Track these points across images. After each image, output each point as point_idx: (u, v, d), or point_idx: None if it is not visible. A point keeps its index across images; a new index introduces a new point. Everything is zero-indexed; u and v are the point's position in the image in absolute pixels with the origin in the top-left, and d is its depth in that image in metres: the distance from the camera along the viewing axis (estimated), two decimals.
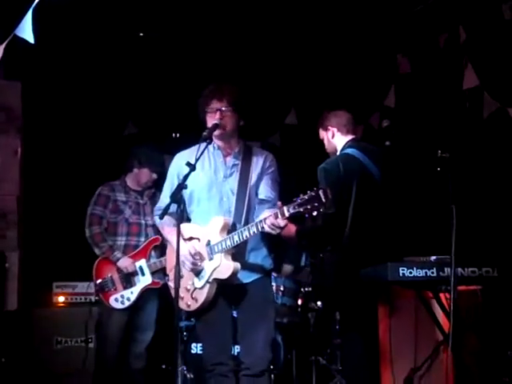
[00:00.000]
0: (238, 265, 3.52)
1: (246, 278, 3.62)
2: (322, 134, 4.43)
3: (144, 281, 4.88)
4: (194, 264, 3.57)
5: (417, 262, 4.10)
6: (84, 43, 5.93)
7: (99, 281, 4.89)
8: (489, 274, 4.03)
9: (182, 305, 3.68)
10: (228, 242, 3.50)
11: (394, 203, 4.28)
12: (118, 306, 4.85)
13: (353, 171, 4.15)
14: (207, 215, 3.62)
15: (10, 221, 6.02)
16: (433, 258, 4.14)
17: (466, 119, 5.22)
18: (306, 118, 6.37)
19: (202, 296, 3.59)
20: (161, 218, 3.52)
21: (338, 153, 4.34)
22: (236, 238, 3.47)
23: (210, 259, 3.56)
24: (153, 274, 4.89)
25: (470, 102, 5.16)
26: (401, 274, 3.96)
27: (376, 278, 4.02)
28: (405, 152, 5.32)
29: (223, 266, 3.52)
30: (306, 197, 3.16)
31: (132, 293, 4.87)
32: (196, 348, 5.01)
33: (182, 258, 3.56)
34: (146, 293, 4.90)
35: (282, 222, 3.27)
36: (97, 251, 4.93)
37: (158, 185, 5.08)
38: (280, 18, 5.73)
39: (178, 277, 3.35)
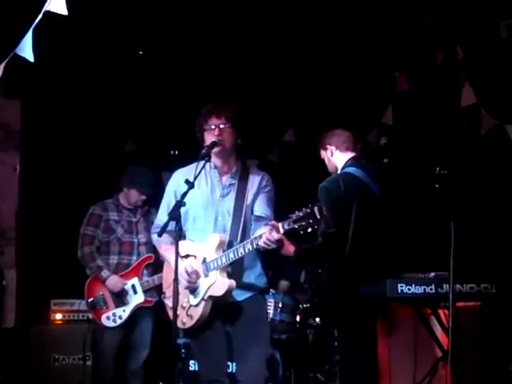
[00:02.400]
0: (233, 282, 3.52)
1: (240, 295, 3.62)
2: (323, 153, 4.44)
3: (136, 299, 4.86)
4: (189, 282, 3.57)
5: (415, 278, 4.10)
6: (83, 61, 5.97)
7: (90, 299, 4.89)
8: (487, 291, 4.02)
9: (178, 323, 3.65)
10: (223, 259, 3.50)
11: (393, 220, 4.28)
12: (110, 324, 4.82)
13: (353, 190, 4.15)
14: (202, 233, 3.64)
15: (9, 237, 6.05)
16: (431, 274, 4.14)
17: (464, 136, 5.24)
18: (304, 136, 6.40)
19: (196, 313, 3.58)
20: (159, 235, 3.52)
21: (338, 171, 4.35)
22: (231, 255, 3.48)
23: (206, 276, 3.56)
24: (145, 292, 4.86)
25: (468, 120, 5.19)
26: (399, 291, 3.96)
27: (374, 295, 4.02)
28: (403, 169, 5.34)
29: (218, 283, 3.51)
30: (300, 214, 3.17)
31: (124, 311, 4.84)
32: (194, 365, 4.98)
33: (178, 277, 3.54)
34: (139, 311, 4.88)
35: (276, 236, 3.27)
36: (87, 271, 4.94)
37: (152, 202, 5.07)
38: (279, 36, 5.77)
39: (177, 294, 3.35)
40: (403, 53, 5.73)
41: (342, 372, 4.63)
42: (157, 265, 4.92)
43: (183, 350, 5.05)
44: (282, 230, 3.24)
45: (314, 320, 5.04)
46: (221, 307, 3.60)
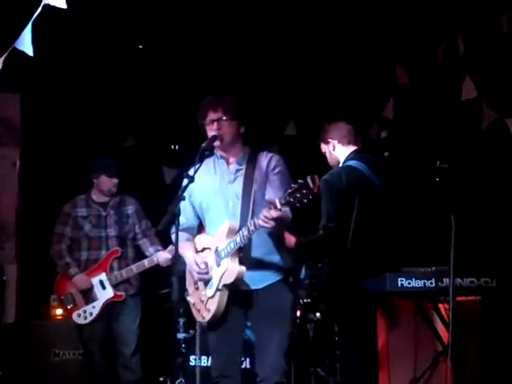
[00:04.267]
0: (242, 268, 3.46)
1: (257, 283, 3.55)
2: (324, 147, 4.43)
3: (105, 294, 4.83)
4: (199, 273, 3.56)
5: (415, 272, 4.10)
6: (83, 56, 5.95)
7: (60, 298, 4.89)
8: (488, 285, 4.02)
9: (199, 318, 3.67)
10: (232, 245, 3.46)
11: (394, 214, 4.27)
12: (81, 321, 4.81)
13: (355, 183, 4.14)
14: (216, 222, 3.61)
15: (9, 233, 6.04)
16: (432, 268, 4.13)
17: (465, 130, 5.22)
18: (306, 129, 6.38)
19: (213, 305, 3.54)
20: (163, 229, 3.50)
21: (340, 165, 4.33)
22: (238, 239, 3.44)
23: (218, 266, 3.53)
24: (116, 286, 4.83)
25: (469, 113, 5.17)
26: (399, 285, 3.96)
27: (375, 289, 4.02)
28: (403, 162, 5.33)
29: (229, 271, 3.47)
30: (295, 186, 3.14)
31: (94, 307, 4.82)
32: (195, 360, 4.97)
33: (189, 269, 3.60)
34: (116, 306, 4.84)
35: (274, 213, 3.22)
36: (57, 269, 4.96)
37: (123, 191, 5.06)
38: (279, 29, 5.75)
39: (177, 288, 3.36)
40: (404, 47, 5.71)
41: (342, 366, 4.63)
42: (128, 257, 4.95)
43: (183, 345, 5.03)
44: (279, 205, 3.19)
45: (315, 315, 5.03)
46: (239, 297, 3.56)
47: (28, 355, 5.46)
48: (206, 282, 3.58)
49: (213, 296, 3.54)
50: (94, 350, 4.82)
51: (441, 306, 4.07)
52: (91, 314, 4.81)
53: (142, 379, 4.91)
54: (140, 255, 5.00)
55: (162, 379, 5.29)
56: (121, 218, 4.97)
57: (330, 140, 4.36)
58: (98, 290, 4.83)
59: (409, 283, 3.95)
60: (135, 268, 4.85)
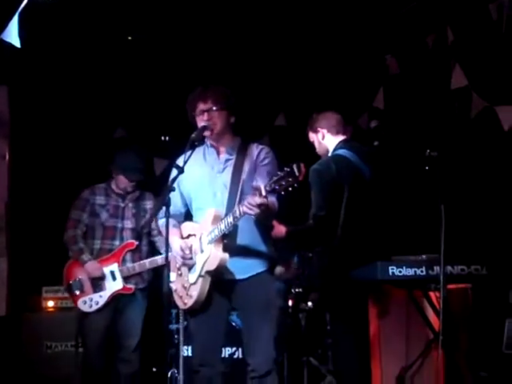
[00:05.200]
0: (225, 255, 3.49)
1: (241, 273, 3.59)
2: (312, 136, 4.43)
3: (114, 286, 4.81)
4: (184, 258, 3.58)
5: (406, 260, 4.11)
6: (72, 47, 5.92)
7: (69, 282, 4.86)
8: (478, 272, 4.04)
9: (180, 304, 3.70)
10: (216, 232, 3.49)
11: (383, 202, 4.28)
12: (86, 309, 4.79)
13: (345, 172, 4.16)
14: (203, 211, 3.64)
15: None
16: (422, 256, 4.15)
17: (455, 118, 5.23)
18: (295, 120, 6.37)
19: (195, 291, 3.57)
20: (154, 219, 3.54)
21: (329, 154, 4.33)
22: (222, 226, 3.46)
23: (202, 251, 3.55)
24: (126, 278, 4.82)
25: (459, 102, 5.18)
26: (390, 273, 3.97)
27: (366, 278, 4.03)
28: (393, 151, 5.34)
29: (212, 257, 3.50)
30: (281, 173, 3.15)
31: (101, 297, 4.80)
32: (187, 351, 4.99)
33: (174, 254, 3.61)
34: (124, 298, 4.83)
35: (258, 200, 3.23)
36: (70, 254, 4.93)
37: (144, 187, 5.05)
38: (268, 20, 5.74)
39: (168, 276, 3.40)
40: (393, 37, 5.70)
41: (334, 355, 4.65)
42: (142, 251, 4.93)
43: (176, 336, 5.04)
44: (264, 192, 3.21)
45: (306, 304, 5.04)
46: (223, 286, 3.59)
47: (20, 348, 5.46)
48: (190, 268, 3.60)
49: (195, 282, 3.57)
50: (92, 340, 4.79)
51: (432, 293, 4.09)
52: (97, 302, 4.79)
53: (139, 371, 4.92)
54: (154, 251, 4.99)
55: (155, 370, 5.30)
56: (139, 211, 4.96)
57: (319, 129, 4.37)
58: (107, 280, 4.81)
59: (400, 271, 3.96)
60: (148, 263, 4.82)
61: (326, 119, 4.38)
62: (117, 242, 4.89)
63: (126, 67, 6.28)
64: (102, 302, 4.78)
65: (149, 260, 4.84)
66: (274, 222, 4.00)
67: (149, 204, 5.01)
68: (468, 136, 5.10)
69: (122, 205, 4.97)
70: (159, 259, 4.79)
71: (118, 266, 4.82)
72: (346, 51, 5.95)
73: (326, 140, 4.36)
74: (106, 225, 4.90)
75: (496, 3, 4.82)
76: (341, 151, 4.25)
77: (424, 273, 3.97)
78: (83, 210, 4.93)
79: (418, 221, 5.12)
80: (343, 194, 4.12)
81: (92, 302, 4.79)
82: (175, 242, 3.64)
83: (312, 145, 4.47)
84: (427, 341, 4.12)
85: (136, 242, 4.88)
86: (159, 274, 5.07)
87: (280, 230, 4.09)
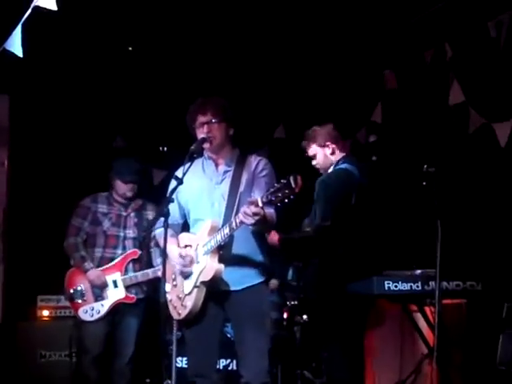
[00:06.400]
0: (221, 266, 3.51)
1: (237, 284, 3.59)
2: (316, 150, 4.41)
3: (117, 295, 4.78)
4: (183, 265, 3.58)
5: (402, 275, 4.13)
6: (73, 57, 5.94)
7: (70, 290, 4.82)
8: (473, 288, 4.06)
9: (174, 314, 3.70)
10: (212, 243, 3.51)
11: (381, 217, 4.30)
12: (87, 318, 4.75)
13: (351, 186, 4.19)
14: (201, 222, 3.65)
15: None
16: (418, 271, 4.17)
17: (452, 134, 5.26)
18: (295, 132, 6.40)
19: (190, 302, 3.58)
20: (152, 231, 3.55)
21: (331, 169, 4.35)
22: (218, 237, 3.48)
23: (198, 262, 3.57)
24: (127, 288, 4.79)
25: (456, 118, 5.21)
26: (386, 288, 3.99)
27: (362, 292, 4.04)
28: (391, 166, 5.37)
29: (208, 268, 3.51)
30: (277, 185, 3.17)
31: (103, 305, 4.76)
32: (181, 362, 4.98)
33: (173, 262, 3.62)
34: (124, 307, 4.80)
35: (254, 209, 3.25)
36: (71, 261, 4.89)
37: (147, 196, 5.05)
38: (269, 33, 5.77)
39: (164, 287, 3.38)
40: (392, 52, 5.74)
41: (328, 368, 4.65)
42: (143, 261, 4.91)
43: (171, 347, 5.03)
44: (260, 204, 3.23)
45: (302, 317, 5.04)
46: (217, 297, 3.60)
47: (14, 357, 5.44)
48: (185, 278, 3.61)
49: (190, 293, 3.58)
50: (91, 350, 4.74)
51: (427, 308, 4.11)
52: (98, 311, 4.75)
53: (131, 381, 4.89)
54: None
55: (148, 381, 5.29)
56: (140, 220, 4.94)
57: (328, 143, 4.38)
58: (110, 288, 4.78)
59: (395, 286, 3.98)
60: (151, 273, 4.80)
61: (333, 133, 4.39)
62: (119, 251, 4.87)
63: (125, 77, 6.31)
64: (103, 311, 4.76)
65: (152, 270, 4.82)
66: (271, 232, 4.03)
67: (150, 214, 5.00)
68: (465, 152, 5.13)
69: (125, 214, 4.96)
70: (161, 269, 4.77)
71: (121, 275, 4.81)
72: (344, 66, 5.99)
73: (335, 155, 4.37)
74: (107, 233, 4.88)
75: (495, 21, 4.86)
76: (345, 165, 4.28)
77: (420, 288, 3.99)
78: (84, 218, 4.91)
79: (414, 236, 5.13)
80: (349, 207, 4.14)
81: (93, 310, 4.76)
82: (174, 249, 3.65)
83: (308, 158, 4.47)
84: (421, 355, 4.13)
85: (139, 252, 4.87)
86: (155, 286, 5.10)
87: (273, 238, 4.10)
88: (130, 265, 4.86)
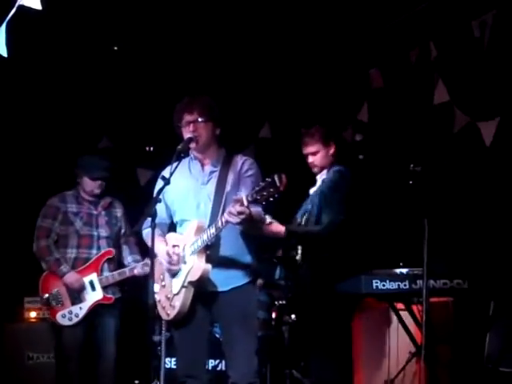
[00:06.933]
0: (208, 266, 3.51)
1: (224, 285, 3.60)
2: (319, 147, 4.46)
3: (94, 296, 4.69)
4: (170, 263, 3.58)
5: (389, 274, 4.15)
6: (58, 56, 5.91)
7: (45, 295, 4.71)
8: (460, 286, 4.09)
9: (163, 315, 3.70)
10: (199, 243, 3.50)
11: (368, 215, 4.33)
12: (66, 322, 4.65)
13: (355, 185, 4.30)
14: (187, 222, 3.65)
15: None
16: (405, 270, 4.19)
17: (437, 133, 5.29)
18: (280, 132, 6.41)
19: (178, 302, 3.58)
20: (136, 229, 3.57)
21: (326, 169, 4.41)
22: (205, 236, 3.48)
23: (185, 262, 3.56)
24: (105, 288, 4.72)
25: (441, 117, 5.24)
26: (374, 287, 4.01)
27: (350, 291, 4.06)
28: (378, 165, 5.39)
29: (195, 268, 3.52)
30: (262, 184, 3.18)
31: (81, 308, 4.67)
32: (170, 363, 4.96)
33: (160, 260, 3.62)
34: (101, 308, 4.72)
35: (239, 208, 3.26)
36: (43, 265, 4.75)
37: (115, 194, 5.00)
38: (254, 32, 5.77)
39: (152, 288, 3.38)
40: (377, 51, 5.76)
41: (317, 367, 4.66)
42: (118, 260, 4.87)
43: (159, 348, 5.01)
44: (245, 203, 3.24)
45: (290, 317, 5.04)
46: (205, 298, 3.60)
47: (1, 358, 5.40)
48: (173, 276, 3.61)
49: (178, 293, 3.58)
50: (71, 355, 4.67)
51: (414, 307, 4.13)
52: (77, 315, 4.66)
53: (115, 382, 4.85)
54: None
55: (137, 382, 5.27)
56: (110, 219, 4.87)
57: (332, 144, 4.44)
58: (87, 290, 4.69)
59: (383, 285, 4.00)
60: (128, 271, 4.74)
61: (334, 135, 4.51)
62: (94, 251, 4.77)
63: (111, 77, 6.28)
64: (82, 313, 4.67)
65: (128, 268, 4.77)
66: (273, 221, 4.04)
67: (119, 211, 4.93)
68: (451, 151, 5.16)
69: (95, 212, 4.85)
70: (138, 268, 4.72)
71: (97, 276, 4.73)
72: (330, 64, 6.00)
73: (332, 156, 4.45)
74: (80, 233, 4.76)
75: (478, 20, 4.89)
76: (343, 168, 4.37)
77: (407, 286, 4.02)
78: (54, 218, 4.77)
79: (401, 235, 5.16)
80: (354, 205, 4.21)
81: (72, 314, 4.66)
82: (161, 248, 3.64)
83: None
84: (409, 354, 4.15)
85: (114, 251, 4.81)
86: (139, 285, 5.08)
87: (278, 228, 4.12)
88: (106, 265, 4.78)
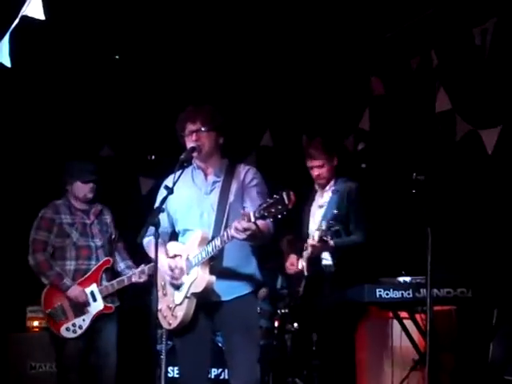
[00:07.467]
0: (212, 278, 3.50)
1: (227, 295, 3.59)
2: (324, 160, 4.52)
3: (96, 307, 4.65)
4: (172, 277, 3.57)
5: (393, 283, 4.15)
6: (60, 66, 5.92)
7: (48, 310, 4.64)
8: (464, 295, 4.09)
9: (164, 324, 3.68)
10: (203, 254, 3.49)
11: (371, 225, 4.33)
12: (70, 335, 4.60)
13: None
14: (189, 232, 3.64)
15: None
16: (408, 279, 4.19)
17: (440, 142, 5.29)
18: (282, 140, 6.42)
19: (181, 312, 3.57)
20: (139, 241, 3.53)
21: (332, 181, 4.53)
22: (209, 248, 3.47)
23: (188, 273, 3.55)
24: (105, 298, 4.68)
25: (443, 125, 5.24)
26: (377, 296, 4.01)
27: (353, 299, 4.06)
28: (380, 174, 5.39)
29: (199, 279, 3.50)
30: (270, 200, 3.16)
31: (84, 320, 4.62)
32: (173, 371, 4.96)
33: (162, 273, 3.60)
34: (100, 318, 4.68)
35: (245, 224, 3.24)
36: (44, 280, 4.68)
37: (103, 200, 4.94)
38: (256, 40, 5.79)
39: (156, 296, 3.38)
40: (379, 59, 5.77)
41: (320, 376, 4.66)
42: (114, 270, 4.82)
43: (162, 357, 5.01)
44: (252, 219, 3.22)
45: (292, 325, 5.05)
46: (208, 308, 3.59)
47: (4, 368, 5.39)
48: (176, 288, 3.60)
49: (181, 303, 3.57)
50: (73, 365, 4.62)
51: (418, 315, 4.13)
52: (81, 327, 4.62)
53: None
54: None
55: None
56: (102, 227, 4.81)
57: (335, 155, 4.54)
58: (88, 302, 4.64)
59: (387, 294, 4.01)
60: (127, 280, 4.70)
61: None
62: (93, 262, 4.70)
63: (113, 86, 6.30)
64: (85, 325, 4.63)
65: (126, 276, 4.74)
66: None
67: (108, 218, 4.88)
68: (453, 159, 5.16)
69: (89, 222, 4.77)
70: (135, 276, 4.69)
71: (97, 286, 4.68)
72: (332, 72, 6.01)
73: (337, 166, 4.54)
74: (78, 244, 4.68)
75: (479, 28, 4.91)
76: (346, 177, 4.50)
77: (411, 295, 4.02)
78: (49, 231, 4.68)
79: (404, 243, 5.16)
80: None
81: (76, 327, 4.61)
82: (162, 259, 3.61)
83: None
84: (413, 362, 4.15)
85: (111, 260, 4.77)
86: (138, 294, 5.06)
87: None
88: (104, 274, 4.74)
